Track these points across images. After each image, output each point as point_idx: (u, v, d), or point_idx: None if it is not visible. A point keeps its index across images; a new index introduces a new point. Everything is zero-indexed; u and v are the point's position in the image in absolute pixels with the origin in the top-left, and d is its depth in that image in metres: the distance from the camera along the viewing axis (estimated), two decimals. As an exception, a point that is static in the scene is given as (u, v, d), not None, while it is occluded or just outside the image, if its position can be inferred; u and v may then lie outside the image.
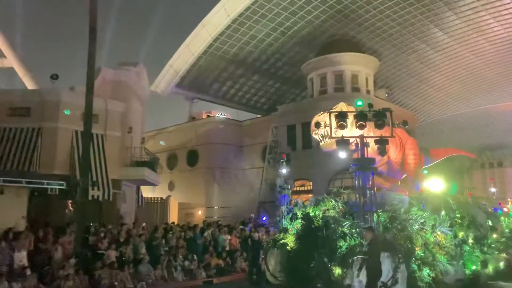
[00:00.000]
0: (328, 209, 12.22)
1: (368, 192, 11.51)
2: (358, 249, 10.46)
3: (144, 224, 20.00)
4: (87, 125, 15.74)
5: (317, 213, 12.17)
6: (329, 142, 12.43)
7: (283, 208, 13.26)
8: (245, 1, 31.17)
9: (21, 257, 12.89)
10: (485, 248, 13.44)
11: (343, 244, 10.85)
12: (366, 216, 11.22)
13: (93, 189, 19.21)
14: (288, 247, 11.86)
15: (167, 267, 16.13)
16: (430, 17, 33.29)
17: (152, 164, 24.82)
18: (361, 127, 11.57)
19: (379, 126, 11.63)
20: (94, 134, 20.01)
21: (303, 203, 13.17)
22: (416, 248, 10.93)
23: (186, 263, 17.04)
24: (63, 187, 17.38)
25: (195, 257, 17.48)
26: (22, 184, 15.51)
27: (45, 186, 16.28)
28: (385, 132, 11.89)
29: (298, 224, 12.10)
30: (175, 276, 16.23)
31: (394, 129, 13.65)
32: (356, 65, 33.18)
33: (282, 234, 12.56)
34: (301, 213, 12.37)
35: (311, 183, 30.82)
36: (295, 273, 11.22)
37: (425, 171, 21.93)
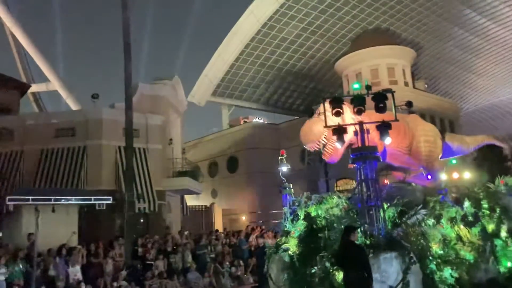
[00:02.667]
0: (331, 207, 10.93)
1: (371, 184, 10.07)
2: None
3: (186, 232, 20.29)
4: (128, 140, 16.25)
5: (319, 212, 10.95)
6: (333, 148, 11.09)
7: (285, 209, 12.07)
8: (273, 4, 31.26)
9: (75, 272, 13.43)
10: None
11: None
12: (371, 212, 9.78)
13: (139, 201, 19.78)
14: (290, 252, 10.57)
15: (214, 274, 16.30)
16: (465, 1, 32.08)
17: (193, 173, 25.25)
18: (360, 112, 10.23)
19: (380, 109, 10.21)
20: (136, 148, 20.59)
21: (305, 202, 11.73)
22: (434, 245, 9.72)
23: (233, 269, 17.16)
24: (110, 202, 17.94)
25: (241, 262, 17.57)
26: (72, 201, 16.12)
27: (93, 202, 16.84)
28: (388, 117, 10.47)
29: (301, 225, 10.89)
30: (223, 282, 16.36)
31: (404, 115, 12.49)
32: (391, 58, 32.44)
33: (284, 238, 11.33)
34: (303, 214, 11.14)
35: (353, 181, 30.32)
36: (298, 280, 10.02)
37: (454, 161, 20.28)
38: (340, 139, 10.23)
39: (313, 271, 9.65)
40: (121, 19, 17.03)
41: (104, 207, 17.38)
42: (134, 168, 18.14)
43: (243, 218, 35.36)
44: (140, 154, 21.82)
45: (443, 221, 10.29)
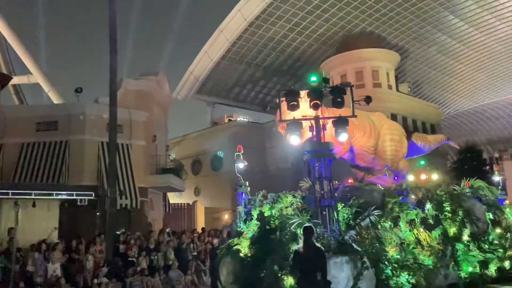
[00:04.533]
0: (286, 207, 10.27)
1: (325, 183, 9.44)
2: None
3: (168, 230, 20.20)
4: (112, 136, 16.09)
5: (273, 212, 10.24)
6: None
7: (240, 208, 11.35)
8: (260, 3, 31.28)
9: (54, 268, 13.25)
10: (486, 246, 11.15)
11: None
12: (324, 213, 9.17)
13: (121, 198, 19.60)
14: (241, 254, 9.76)
15: (196, 272, 16.26)
16: (449, 7, 32.70)
17: (177, 170, 25.11)
18: (316, 106, 9.64)
19: (337, 104, 9.71)
20: (120, 144, 20.41)
21: (261, 202, 10.98)
22: (391, 249, 9.17)
23: (215, 267, 17.14)
24: (92, 198, 17.77)
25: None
26: (53, 196, 15.92)
27: (74, 197, 16.68)
28: (345, 113, 10.05)
29: (254, 226, 10.12)
30: (205, 280, 16.34)
31: (369, 113, 12.05)
32: (376, 60, 32.86)
33: (236, 239, 10.51)
34: (256, 213, 10.36)
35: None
36: (247, 284, 9.30)
37: (422, 162, 19.28)
38: (295, 134, 9.65)
39: (262, 275, 8.96)
40: (107, 12, 16.85)
41: (86, 203, 17.26)
42: (117, 164, 17.95)
43: (226, 216, 35.31)
44: (123, 150, 21.63)
45: (401, 223, 9.83)
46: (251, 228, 10.20)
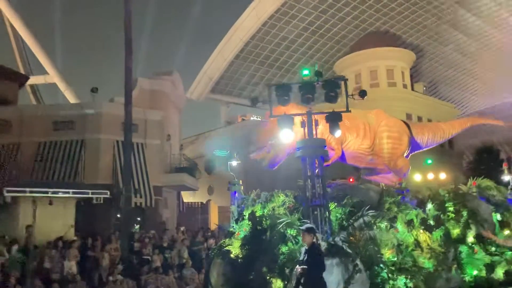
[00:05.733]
0: (278, 206, 9.82)
1: (317, 182, 8.90)
2: (296, 257, 8.09)
3: (182, 228, 20.32)
4: (127, 135, 16.25)
5: (265, 211, 9.79)
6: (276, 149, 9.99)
7: (233, 208, 10.95)
8: (275, 3, 31.28)
9: (70, 265, 13.44)
10: (492, 248, 10.43)
11: (285, 250, 8.53)
12: (316, 212, 8.68)
13: (135, 196, 19.80)
14: (232, 255, 9.32)
15: (210, 270, 16.32)
16: (465, 5, 32.26)
17: (191, 169, 25.26)
18: (308, 100, 9.17)
19: (330, 99, 9.16)
20: (135, 143, 20.57)
21: (254, 201, 10.50)
22: (387, 251, 8.71)
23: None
24: (107, 196, 17.96)
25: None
26: (69, 194, 16.15)
27: (90, 195, 16.87)
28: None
29: (246, 226, 9.66)
30: (219, 279, 16.40)
31: (367, 111, 11.50)
32: (390, 59, 32.57)
33: (228, 239, 10.09)
34: (248, 213, 9.93)
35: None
36: (238, 287, 8.93)
37: (430, 161, 18.02)
38: (287, 130, 9.07)
39: (250, 277, 8.56)
40: (122, 12, 17.01)
41: (101, 201, 17.43)
42: (131, 163, 18.13)
43: (239, 215, 35.35)
44: (138, 149, 21.82)
45: (398, 224, 9.26)
46: (243, 229, 9.73)
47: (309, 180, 8.97)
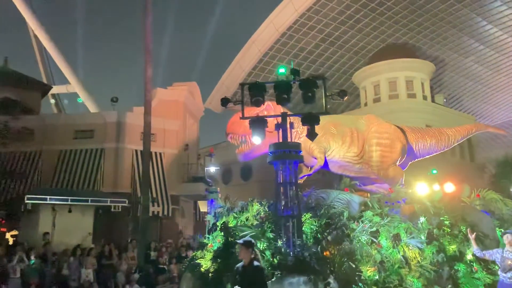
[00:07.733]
0: (253, 216, 9.06)
1: (290, 190, 8.11)
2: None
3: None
4: (146, 145, 16.42)
5: (239, 221, 9.05)
6: (248, 144, 9.38)
7: (209, 217, 10.10)
8: (293, 14, 31.37)
9: (87, 273, 13.53)
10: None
11: None
12: (288, 224, 7.86)
13: (153, 205, 19.92)
14: (202, 269, 8.52)
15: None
16: (486, 16, 31.84)
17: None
18: (283, 101, 8.43)
19: (308, 99, 8.30)
20: (153, 153, 20.79)
21: (230, 210, 9.71)
22: (368, 269, 7.85)
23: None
24: (125, 205, 18.11)
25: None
26: (88, 202, 16.35)
27: (108, 204, 17.05)
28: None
29: (220, 238, 8.87)
30: (234, 290, 16.27)
31: (358, 116, 10.67)
32: (410, 71, 32.22)
33: (199, 251, 9.35)
34: (220, 224, 9.18)
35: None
36: None
37: (435, 171, 17.49)
38: (258, 132, 8.32)
39: None
40: (142, 23, 17.30)
41: (120, 210, 17.59)
42: (150, 172, 18.28)
43: (255, 226, 35.25)
44: (156, 158, 22.02)
45: (382, 239, 8.39)
46: (218, 240, 8.94)
47: (281, 188, 8.19)
